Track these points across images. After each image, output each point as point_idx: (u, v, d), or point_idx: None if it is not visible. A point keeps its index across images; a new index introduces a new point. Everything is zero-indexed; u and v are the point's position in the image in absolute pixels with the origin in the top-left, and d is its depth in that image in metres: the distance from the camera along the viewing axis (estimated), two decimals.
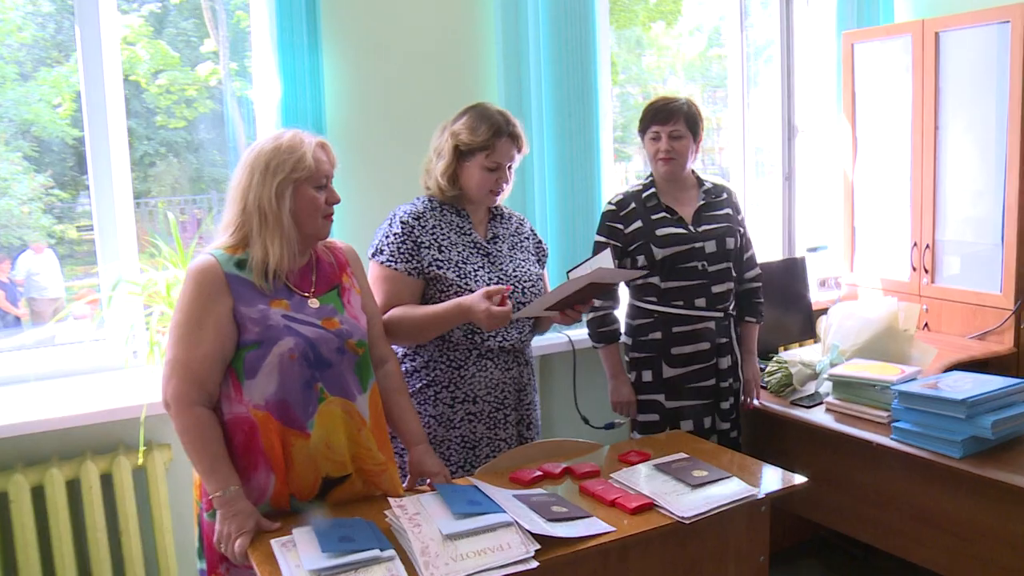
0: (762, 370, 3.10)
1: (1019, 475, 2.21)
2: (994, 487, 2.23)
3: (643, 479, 2.05)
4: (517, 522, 1.76)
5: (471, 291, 2.23)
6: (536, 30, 3.08)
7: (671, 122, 2.64)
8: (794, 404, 2.84)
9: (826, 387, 2.87)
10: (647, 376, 2.72)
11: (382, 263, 2.25)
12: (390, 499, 1.89)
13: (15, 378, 2.63)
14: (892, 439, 2.46)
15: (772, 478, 2.15)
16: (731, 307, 2.75)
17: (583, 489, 2.02)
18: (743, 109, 4.03)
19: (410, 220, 2.26)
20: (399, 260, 2.23)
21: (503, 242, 2.39)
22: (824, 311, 3.59)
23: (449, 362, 2.29)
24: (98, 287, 2.76)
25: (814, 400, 2.83)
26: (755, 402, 2.88)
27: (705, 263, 2.66)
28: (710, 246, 2.67)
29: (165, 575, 2.59)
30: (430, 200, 2.34)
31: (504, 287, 2.13)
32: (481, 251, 2.33)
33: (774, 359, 3.04)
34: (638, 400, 2.75)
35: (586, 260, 2.71)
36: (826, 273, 4.05)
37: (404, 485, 2.08)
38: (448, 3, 3.05)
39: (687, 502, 1.91)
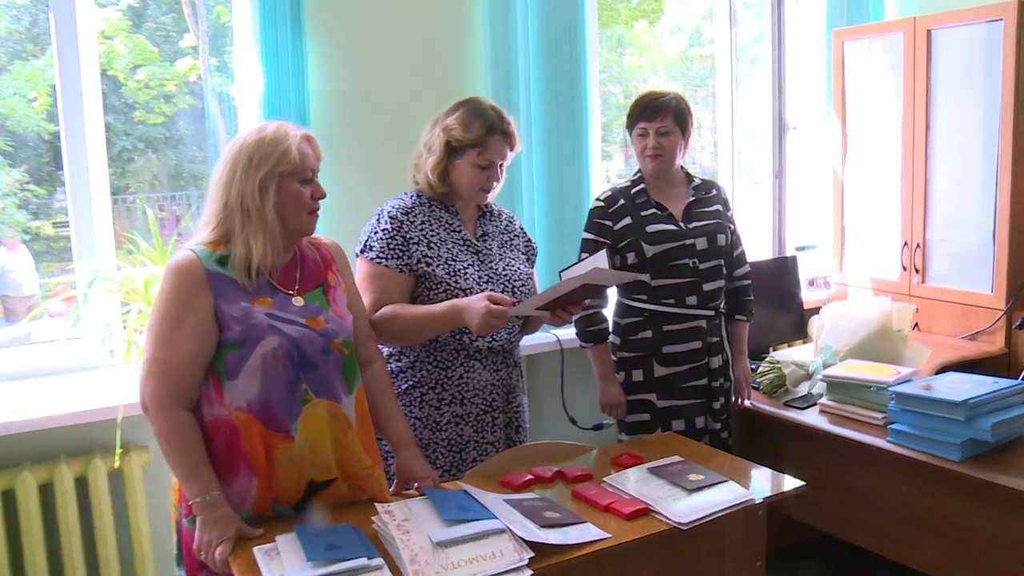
0: (753, 371, 3.06)
1: (1020, 478, 2.17)
2: (993, 490, 2.19)
3: (637, 483, 2.00)
4: (509, 529, 1.70)
5: (461, 289, 2.17)
6: (524, 23, 3.02)
7: (659, 118, 2.59)
8: (787, 405, 2.80)
9: (819, 388, 2.83)
10: (637, 376, 2.67)
11: (371, 259, 2.18)
12: (377, 505, 1.82)
13: None
14: (888, 441, 2.42)
15: (769, 482, 2.11)
16: (722, 305, 2.71)
17: (576, 494, 1.97)
18: (732, 107, 3.99)
19: (399, 215, 2.20)
20: (389, 256, 2.17)
21: (493, 240, 2.33)
22: (814, 311, 3.57)
23: (436, 363, 2.23)
24: (74, 284, 2.68)
25: (807, 401, 2.79)
26: (746, 402, 2.84)
27: (696, 260, 2.61)
28: (701, 243, 2.62)
29: None
30: (418, 195, 2.27)
31: (510, 299, 2.07)
32: (471, 248, 2.27)
33: (766, 359, 3.00)
34: (628, 400, 2.69)
35: (578, 260, 2.66)
36: (815, 272, 4.02)
37: (391, 489, 2.01)
38: None
39: (683, 507, 1.86)
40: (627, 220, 2.62)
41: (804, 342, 3.48)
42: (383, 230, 2.19)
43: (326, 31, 2.80)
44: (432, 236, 2.21)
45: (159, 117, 3.76)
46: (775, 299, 3.38)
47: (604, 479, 2.03)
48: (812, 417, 2.71)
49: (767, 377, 2.90)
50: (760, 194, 4.16)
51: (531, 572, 1.60)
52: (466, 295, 2.16)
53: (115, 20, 3.87)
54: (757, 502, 1.93)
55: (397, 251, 2.17)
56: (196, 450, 1.74)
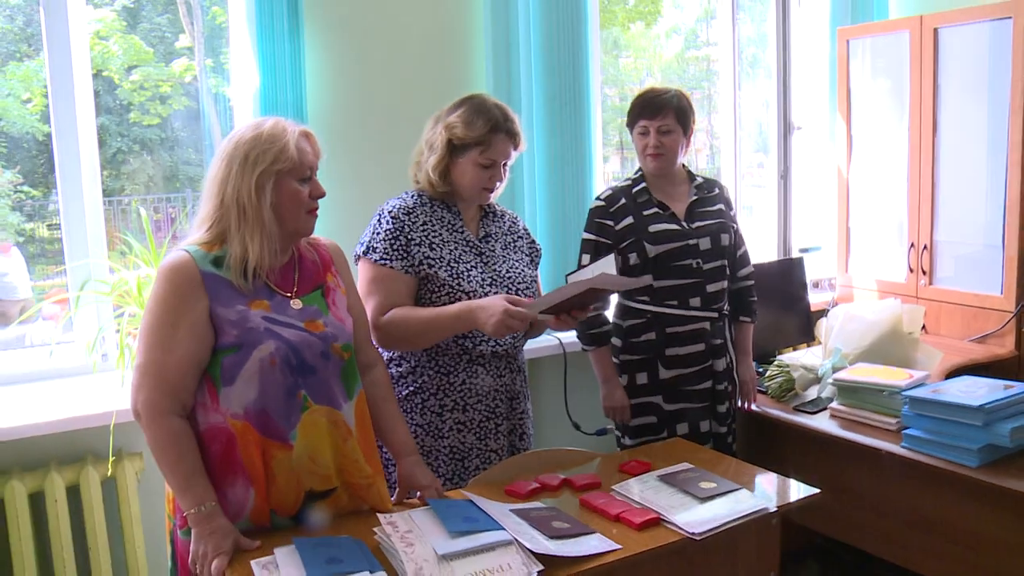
0: (761, 374, 3.01)
1: None
2: (1011, 497, 2.14)
3: (647, 491, 1.94)
4: (517, 540, 1.64)
5: (464, 292, 2.11)
6: (526, 18, 2.97)
7: (660, 116, 2.54)
8: (797, 410, 2.74)
9: (828, 392, 2.77)
10: (642, 379, 2.61)
11: (375, 262, 2.11)
12: (379, 515, 1.76)
13: None
14: (903, 447, 2.37)
15: (782, 489, 2.05)
16: (725, 307, 2.65)
17: (584, 502, 1.91)
18: (735, 109, 3.93)
19: (400, 215, 2.14)
20: (393, 257, 2.10)
21: (496, 241, 2.27)
22: (820, 313, 3.51)
23: (437, 368, 2.17)
24: (66, 286, 2.61)
25: (817, 406, 2.73)
26: (753, 406, 2.78)
27: (699, 261, 2.56)
28: (704, 243, 2.57)
29: None
30: (419, 195, 2.21)
31: (527, 302, 2.01)
32: (473, 250, 2.21)
33: (774, 363, 2.94)
34: (633, 404, 2.63)
35: (579, 262, 2.61)
36: (819, 274, 3.97)
37: (393, 499, 1.94)
38: None
39: (696, 517, 1.80)
40: (629, 220, 2.57)
41: (808, 346, 3.43)
42: (386, 230, 2.12)
43: (324, 25, 2.74)
44: (434, 237, 2.15)
45: (154, 118, 3.74)
46: (781, 302, 3.32)
47: (613, 487, 1.98)
48: (823, 422, 2.65)
49: (775, 381, 2.84)
50: (759, 197, 4.11)
51: None
52: (469, 298, 2.09)
53: (110, 20, 3.84)
54: (771, 511, 1.87)
55: (401, 251, 2.11)
56: (191, 460, 1.67)
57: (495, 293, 2.14)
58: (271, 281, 1.79)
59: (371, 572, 1.54)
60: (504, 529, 1.68)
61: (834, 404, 2.66)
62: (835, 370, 2.74)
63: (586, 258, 2.59)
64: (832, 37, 3.79)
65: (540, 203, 3.07)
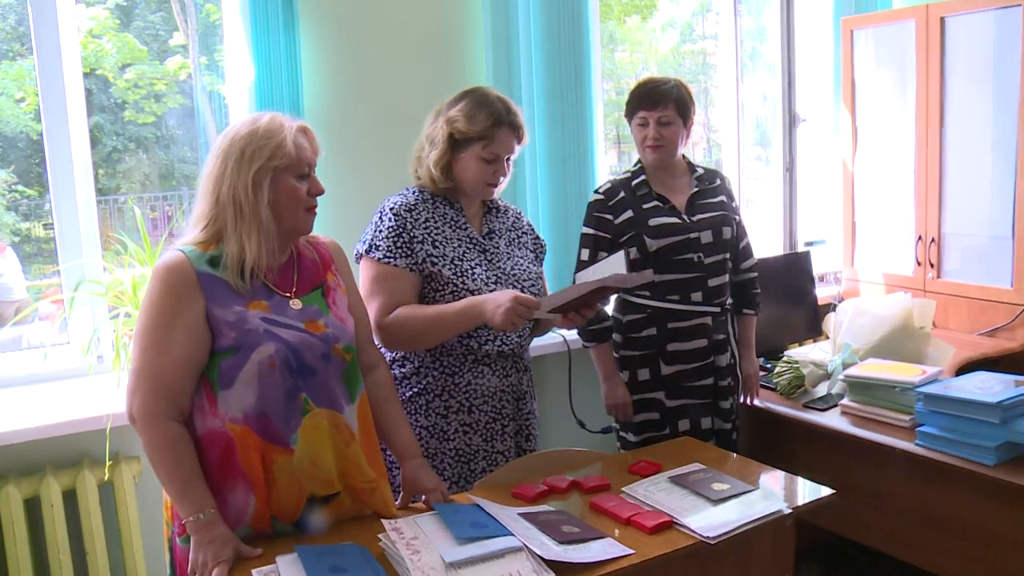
0: (769, 370, 2.96)
1: None
2: None
3: (659, 493, 1.89)
4: (527, 546, 1.59)
5: (468, 290, 2.06)
6: (526, 10, 2.91)
7: (659, 107, 2.48)
8: (807, 407, 2.69)
9: (838, 388, 2.73)
10: (643, 375, 2.57)
11: (378, 260, 2.06)
12: (384, 521, 1.71)
13: None
14: (917, 444, 2.32)
15: (796, 490, 2.00)
16: (728, 301, 2.60)
17: (593, 505, 1.86)
18: (737, 101, 3.88)
19: (402, 212, 2.08)
20: (397, 255, 2.05)
21: (500, 238, 2.21)
22: (825, 307, 3.46)
23: (442, 368, 2.11)
24: (61, 285, 2.56)
25: (828, 402, 2.68)
26: (756, 401, 2.74)
27: (701, 255, 2.51)
28: (706, 236, 2.52)
29: None
30: (421, 191, 2.16)
31: (535, 300, 1.96)
32: (477, 247, 2.15)
33: (783, 359, 2.89)
34: (635, 399, 2.59)
35: (578, 257, 2.55)
36: (824, 268, 3.92)
37: (397, 503, 1.89)
38: None
39: (710, 520, 1.75)
40: (628, 213, 2.52)
41: (814, 341, 3.38)
42: (388, 228, 2.07)
43: (320, 20, 2.68)
44: (437, 234, 2.10)
45: (149, 116, 3.72)
46: (788, 296, 3.27)
47: (623, 489, 1.92)
48: (833, 419, 2.60)
49: (784, 377, 2.79)
50: (759, 190, 4.06)
51: None
52: (473, 296, 2.04)
53: (103, 19, 3.82)
54: (786, 513, 1.82)
55: (404, 249, 2.05)
56: (188, 465, 1.62)
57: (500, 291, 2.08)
58: (269, 281, 1.74)
59: None
60: (513, 535, 1.63)
61: (845, 401, 2.61)
62: (845, 366, 2.70)
63: (585, 252, 2.55)
64: (836, 27, 3.73)
65: (542, 197, 3.02)
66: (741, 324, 2.72)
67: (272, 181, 1.69)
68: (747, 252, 2.72)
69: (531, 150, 2.97)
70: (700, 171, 2.63)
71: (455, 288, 2.06)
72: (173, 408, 1.63)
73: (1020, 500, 2.15)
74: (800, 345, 3.36)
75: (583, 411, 2.59)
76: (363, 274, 2.08)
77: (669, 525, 1.75)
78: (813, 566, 3.18)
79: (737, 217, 2.66)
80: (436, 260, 2.06)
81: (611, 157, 4.95)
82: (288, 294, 1.75)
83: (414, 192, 2.15)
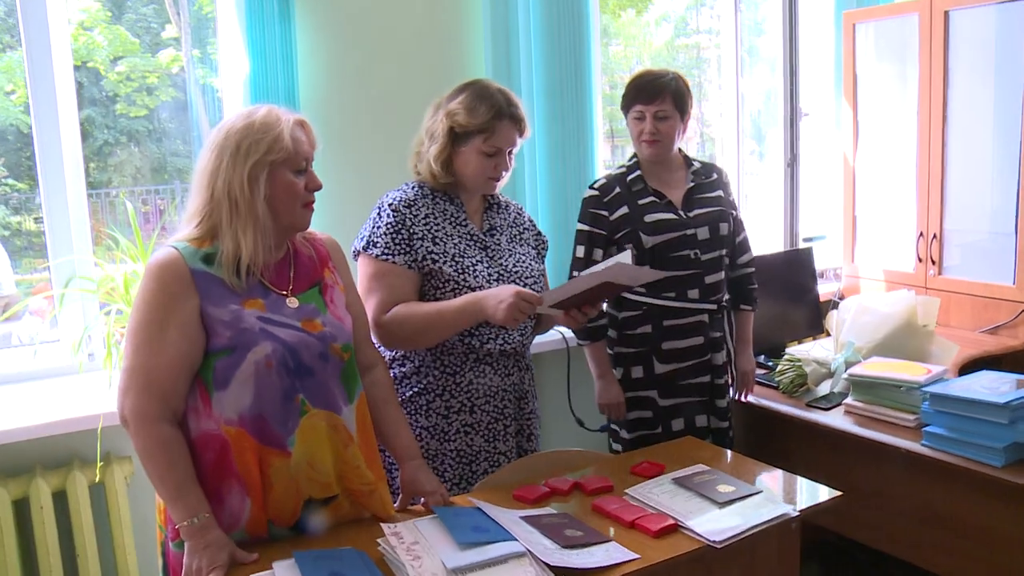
0: (770, 368, 2.93)
1: None
2: None
3: (663, 495, 1.85)
4: (530, 551, 1.55)
5: (469, 288, 2.01)
6: (526, 4, 2.86)
7: (657, 101, 2.44)
8: (810, 406, 2.65)
9: (841, 387, 2.69)
10: (637, 372, 2.53)
11: (376, 257, 2.01)
12: (383, 525, 1.67)
13: None
14: (923, 445, 2.29)
15: (802, 492, 1.97)
16: (724, 298, 2.57)
17: (596, 508, 1.82)
18: (737, 95, 3.84)
19: (401, 207, 2.03)
20: (395, 252, 2.00)
21: (501, 234, 2.17)
22: (830, 304, 3.43)
23: (443, 368, 2.07)
24: (50, 280, 2.51)
25: (831, 401, 2.64)
26: (751, 398, 2.71)
27: (698, 251, 2.48)
28: (703, 232, 2.48)
29: None
30: (420, 187, 2.11)
31: (537, 295, 1.91)
32: (478, 243, 2.11)
33: (785, 357, 2.85)
34: (627, 397, 2.55)
35: (573, 255, 2.51)
36: (824, 264, 3.89)
37: (396, 505, 1.85)
38: None
39: (716, 523, 1.72)
40: (624, 209, 2.47)
41: (814, 338, 3.35)
42: (386, 224, 2.02)
43: (316, 10, 2.64)
44: (437, 230, 2.05)
45: (141, 110, 3.68)
46: (789, 293, 3.23)
47: (626, 491, 1.89)
48: (837, 419, 2.56)
49: (787, 376, 2.76)
50: (754, 185, 4.03)
51: None
52: (474, 292, 2.00)
53: (94, 11, 3.78)
54: (793, 516, 1.78)
55: (403, 246, 2.01)
56: (182, 469, 1.58)
57: None
58: (265, 279, 1.69)
59: None
60: (516, 539, 1.59)
61: (849, 400, 2.58)
62: (848, 364, 2.66)
63: (580, 249, 2.51)
64: (837, 21, 3.69)
65: (541, 193, 2.98)
66: (738, 320, 2.69)
67: (269, 176, 1.64)
68: (744, 247, 2.69)
69: (530, 145, 2.93)
70: (696, 165, 2.59)
71: (456, 285, 2.02)
72: (166, 409, 1.58)
73: None
74: (799, 343, 3.33)
75: (581, 409, 2.55)
76: (361, 271, 2.04)
77: (674, 528, 1.71)
78: (813, 566, 3.15)
79: (734, 212, 2.62)
80: (436, 257, 2.02)
81: (604, 151, 4.92)
82: (284, 292, 1.71)
83: (413, 188, 2.10)
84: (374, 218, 2.06)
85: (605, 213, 2.49)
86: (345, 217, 2.43)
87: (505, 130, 2.05)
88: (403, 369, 2.09)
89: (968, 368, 2.85)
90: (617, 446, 2.61)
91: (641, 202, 2.49)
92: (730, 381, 2.63)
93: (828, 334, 3.16)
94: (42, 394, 2.40)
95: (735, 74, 3.82)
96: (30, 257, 3.51)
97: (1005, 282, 3.19)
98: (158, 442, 1.57)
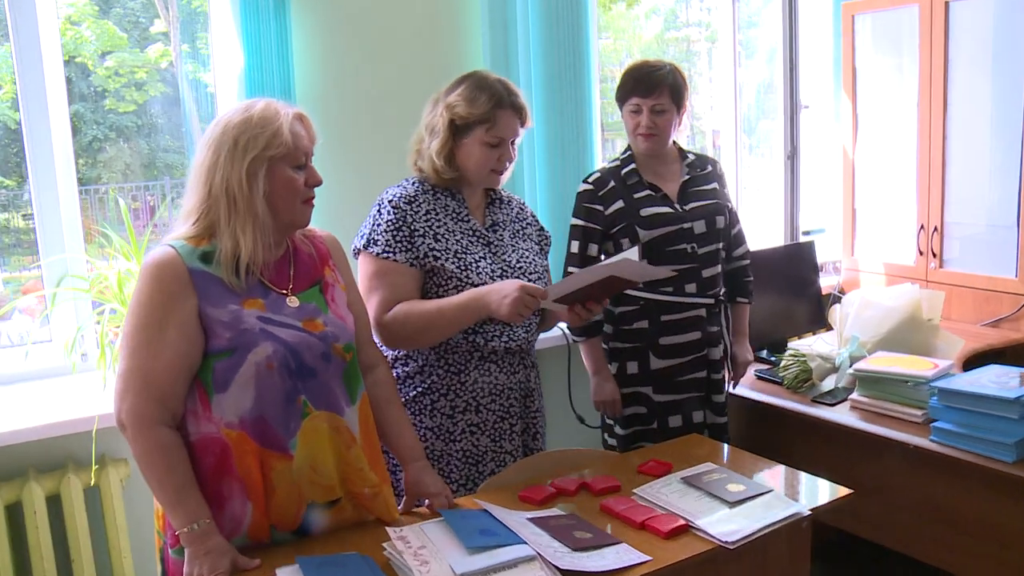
0: (774, 363, 2.90)
1: None
2: None
3: (672, 495, 1.82)
4: (540, 555, 1.52)
5: (473, 285, 1.97)
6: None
7: (654, 94, 2.40)
8: (815, 402, 2.62)
9: (845, 382, 2.66)
10: (632, 368, 2.49)
11: (377, 255, 1.97)
12: (388, 529, 1.63)
13: None
14: (932, 440, 2.26)
15: (812, 490, 1.94)
16: (721, 292, 2.53)
17: (605, 508, 1.78)
18: (735, 86, 3.81)
19: (401, 204, 1.99)
20: (396, 249, 1.96)
21: (504, 229, 2.13)
22: (830, 298, 3.41)
23: (447, 367, 2.03)
24: (42, 279, 2.47)
25: (836, 397, 2.61)
26: (753, 393, 2.69)
27: (695, 245, 2.44)
28: (699, 226, 2.45)
29: None
30: (421, 183, 2.07)
31: (542, 289, 1.87)
32: (481, 239, 2.07)
33: (788, 352, 2.82)
34: (622, 393, 2.52)
35: (568, 251, 2.48)
36: (823, 258, 3.86)
37: (399, 508, 1.81)
38: None
39: (727, 523, 1.69)
40: (619, 204, 2.44)
41: (814, 333, 3.32)
42: (387, 221, 1.98)
43: (312, 4, 2.58)
44: (439, 227, 2.01)
45: (130, 105, 3.64)
46: (791, 287, 3.20)
47: (634, 491, 1.85)
48: (843, 414, 2.53)
49: (791, 371, 2.72)
50: (746, 178, 4.00)
51: None
52: (476, 288, 1.96)
53: (81, 5, 3.73)
54: (805, 514, 1.75)
55: (404, 243, 1.96)
56: (182, 473, 1.53)
57: None
58: (265, 278, 1.65)
59: None
60: (525, 543, 1.55)
61: (855, 395, 2.55)
62: (852, 359, 2.63)
63: (575, 245, 2.48)
64: (836, 12, 3.66)
65: (540, 187, 2.94)
66: (735, 312, 2.66)
67: (268, 172, 1.60)
68: (740, 239, 2.66)
69: (529, 139, 2.89)
70: (691, 157, 2.55)
71: (459, 283, 1.98)
72: (165, 413, 1.54)
73: None
74: (799, 338, 3.30)
75: (582, 406, 2.52)
76: (361, 270, 2.00)
77: (685, 529, 1.68)
78: (815, 561, 3.12)
79: (730, 204, 2.60)
80: (438, 254, 1.98)
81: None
82: (284, 291, 1.67)
83: (414, 183, 2.06)
84: (374, 215, 2.02)
85: (600, 208, 2.45)
86: (344, 214, 2.38)
87: (507, 119, 2.01)
88: (406, 368, 2.05)
89: (971, 362, 2.83)
90: (612, 441, 2.58)
91: (637, 196, 2.45)
92: (727, 376, 2.60)
93: (830, 328, 3.13)
94: (34, 395, 2.35)
95: (732, 66, 3.78)
96: (18, 255, 3.46)
97: (1007, 275, 3.17)
98: (157, 446, 1.52)
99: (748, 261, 2.68)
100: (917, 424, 2.37)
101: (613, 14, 5.49)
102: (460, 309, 1.92)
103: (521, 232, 2.17)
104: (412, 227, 1.98)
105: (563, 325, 2.47)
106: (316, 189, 1.70)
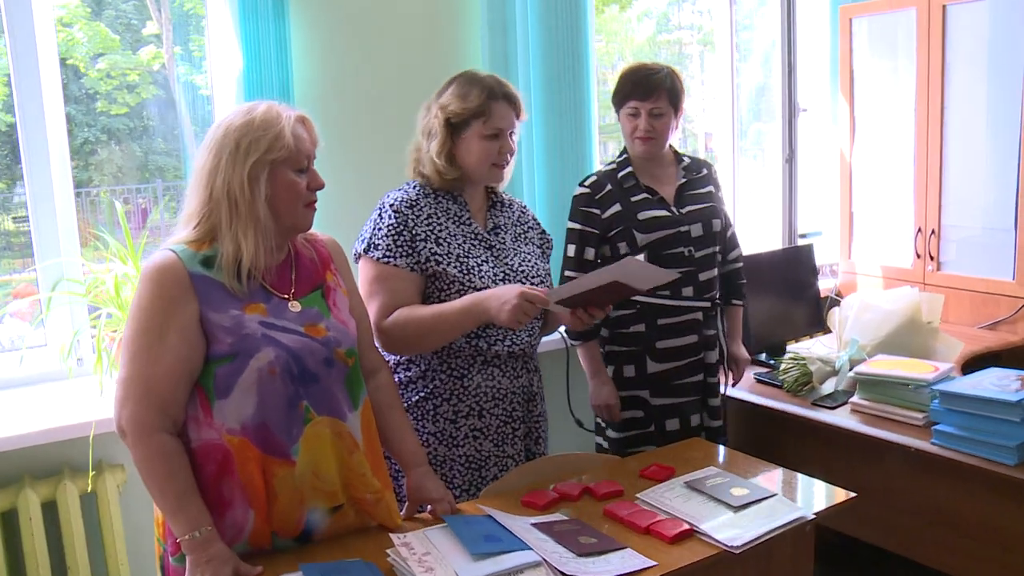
0: (772, 366, 2.90)
1: None
2: None
3: (675, 500, 1.81)
4: (546, 561, 1.50)
5: (475, 288, 1.96)
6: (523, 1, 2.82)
7: (652, 98, 2.39)
8: (816, 405, 2.61)
9: (845, 385, 2.66)
10: (629, 371, 2.49)
11: (378, 260, 1.95)
12: (392, 535, 1.62)
13: None
14: (933, 443, 2.26)
15: (816, 494, 1.94)
16: (717, 296, 2.53)
17: (608, 513, 1.77)
18: (732, 89, 3.81)
19: (402, 208, 1.98)
20: (397, 254, 1.95)
21: (505, 232, 2.11)
22: (828, 301, 3.40)
23: (450, 371, 2.01)
24: (36, 282, 2.45)
25: (835, 400, 2.61)
26: (753, 396, 2.68)
27: (691, 248, 2.44)
28: (696, 230, 2.45)
29: None
30: (422, 186, 2.05)
31: (541, 291, 1.85)
32: (483, 243, 2.05)
33: (788, 355, 2.82)
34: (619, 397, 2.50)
35: (571, 256, 2.46)
36: (820, 260, 3.85)
37: (402, 513, 1.80)
38: None
39: (732, 527, 1.68)
40: (616, 207, 2.43)
41: (811, 336, 3.31)
42: (388, 226, 1.96)
43: (311, 4, 2.57)
44: (440, 231, 1.99)
45: (122, 107, 3.61)
46: (789, 291, 3.19)
47: (637, 495, 1.84)
48: (844, 418, 2.53)
49: (791, 374, 2.72)
50: (739, 180, 4.00)
51: None
52: (476, 293, 1.94)
53: (73, 7, 3.72)
54: (809, 518, 1.75)
55: (405, 248, 1.95)
56: (183, 480, 1.51)
57: None
58: (267, 282, 1.63)
59: None
60: (531, 548, 1.54)
61: (855, 399, 2.54)
62: (852, 362, 2.63)
63: (571, 249, 2.47)
64: (834, 15, 3.67)
65: (540, 190, 2.93)
66: (729, 314, 2.67)
67: (269, 175, 1.59)
68: (733, 242, 2.67)
69: (528, 141, 2.88)
70: (687, 161, 2.55)
71: (462, 287, 1.96)
72: (166, 419, 1.52)
73: None
74: (797, 341, 3.30)
75: (580, 410, 2.50)
76: (362, 275, 1.98)
77: (690, 534, 1.68)
78: (816, 564, 3.12)
79: (724, 207, 2.60)
80: (441, 258, 1.96)
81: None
82: (286, 296, 1.65)
83: (415, 187, 2.04)
84: (375, 219, 2.00)
85: (597, 211, 2.45)
86: (343, 218, 2.36)
87: (501, 109, 2.00)
88: (409, 373, 2.04)
89: (969, 365, 2.83)
90: (605, 444, 2.57)
91: (634, 199, 2.45)
92: (723, 379, 2.60)
93: (828, 331, 3.13)
94: (30, 401, 2.32)
95: (730, 69, 3.78)
96: (8, 258, 3.44)
97: (1004, 277, 3.17)
98: (158, 453, 1.51)
99: (741, 264, 2.68)
100: (918, 427, 2.37)
101: (606, 16, 5.50)
102: (460, 314, 1.90)
103: (523, 235, 2.16)
104: (413, 232, 1.96)
105: (562, 329, 2.45)
106: (319, 192, 1.69)
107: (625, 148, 2.53)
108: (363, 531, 1.70)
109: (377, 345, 1.92)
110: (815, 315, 3.27)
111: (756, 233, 3.87)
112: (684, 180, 2.51)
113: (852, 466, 2.51)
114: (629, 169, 2.48)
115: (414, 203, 1.99)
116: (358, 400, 1.70)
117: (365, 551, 1.61)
